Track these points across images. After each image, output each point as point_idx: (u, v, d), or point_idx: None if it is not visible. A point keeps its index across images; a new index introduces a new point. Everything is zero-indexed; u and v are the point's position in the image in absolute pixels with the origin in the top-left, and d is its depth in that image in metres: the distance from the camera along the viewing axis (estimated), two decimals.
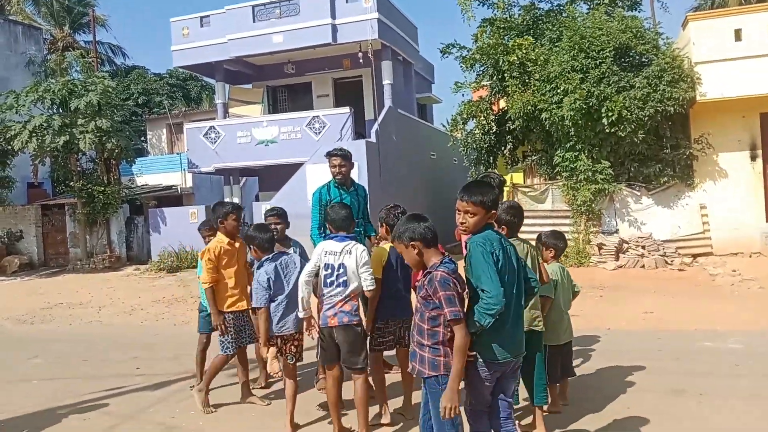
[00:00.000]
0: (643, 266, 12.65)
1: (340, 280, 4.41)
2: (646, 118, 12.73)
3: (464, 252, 3.98)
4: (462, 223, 3.23)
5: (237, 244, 5.46)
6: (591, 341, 7.04)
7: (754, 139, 13.49)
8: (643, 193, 13.74)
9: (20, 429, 5.18)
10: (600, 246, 13.35)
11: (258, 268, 4.82)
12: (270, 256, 4.83)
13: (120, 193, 18.89)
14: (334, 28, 17.27)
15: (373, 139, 16.52)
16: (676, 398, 5.00)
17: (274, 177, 17.82)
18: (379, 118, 17.28)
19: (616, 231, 13.76)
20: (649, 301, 9.43)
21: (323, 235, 5.67)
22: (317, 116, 17.36)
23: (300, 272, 4.66)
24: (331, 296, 4.42)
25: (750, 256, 13.00)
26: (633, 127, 12.79)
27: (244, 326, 5.44)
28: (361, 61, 17.42)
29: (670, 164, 13.57)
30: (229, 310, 5.34)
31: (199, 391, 5.35)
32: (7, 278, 17.78)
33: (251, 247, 4.96)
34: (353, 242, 4.53)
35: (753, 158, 13.49)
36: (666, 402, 4.92)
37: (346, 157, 6.02)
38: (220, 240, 5.42)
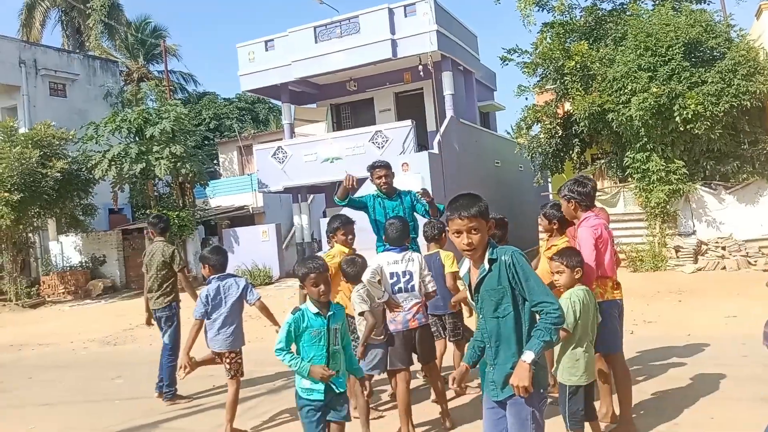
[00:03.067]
0: (724, 268, 12.07)
1: (408, 286, 4.82)
2: (721, 114, 12.19)
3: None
4: (469, 245, 2.87)
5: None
6: (670, 348, 6.76)
7: None
8: (722, 192, 13.13)
9: None
10: (677, 249, 12.83)
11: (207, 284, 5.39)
12: (218, 275, 5.39)
13: (194, 215, 19.59)
14: (394, 43, 17.44)
15: (435, 150, 16.52)
16: (765, 407, 4.73)
17: None
18: (441, 129, 17.27)
19: (694, 232, 13.19)
20: (732, 304, 8.98)
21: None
22: (380, 131, 17.52)
23: (238, 296, 5.40)
24: (405, 301, 4.80)
25: None
26: (708, 123, 12.27)
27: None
28: (421, 73, 17.49)
29: (749, 160, 12.92)
30: None
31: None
32: (92, 301, 18.73)
33: (205, 265, 5.47)
34: (411, 251, 4.97)
35: None
36: (753, 411, 4.65)
37: (388, 166, 6.39)
38: (336, 251, 5.48)
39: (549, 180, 18.20)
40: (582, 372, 3.95)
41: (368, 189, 15.64)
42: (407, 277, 4.82)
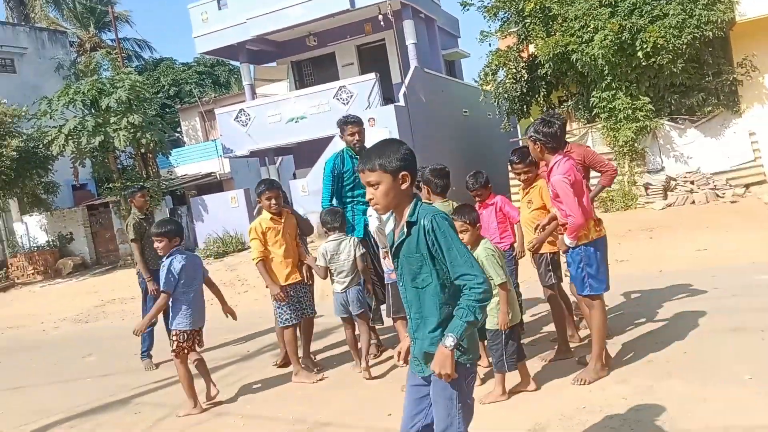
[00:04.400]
0: (693, 202, 12.14)
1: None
2: (683, 46, 12.05)
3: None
4: (370, 200, 2.61)
5: (283, 220, 5.50)
6: (643, 285, 6.76)
7: None
8: (688, 126, 13.12)
9: (74, 427, 5.29)
10: (647, 186, 12.87)
11: (168, 257, 5.01)
12: (180, 247, 5.09)
13: (160, 185, 19.14)
14: None
15: (402, 102, 16.23)
16: (737, 337, 4.73)
17: (309, 153, 17.76)
18: (406, 81, 16.94)
19: (662, 169, 13.21)
20: (703, 238, 9.03)
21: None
22: (343, 86, 17.13)
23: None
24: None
25: None
26: (671, 56, 12.14)
27: (302, 297, 5.58)
28: (382, 23, 17.04)
29: (714, 92, 12.88)
30: (286, 283, 5.42)
31: (295, 374, 5.45)
32: (63, 280, 18.37)
33: (163, 239, 5.06)
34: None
35: None
36: (725, 342, 4.66)
37: (360, 122, 6.04)
38: (263, 217, 5.51)
39: (517, 125, 18.07)
40: (513, 312, 4.24)
41: (334, 148, 15.44)
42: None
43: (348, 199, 5.97)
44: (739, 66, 12.78)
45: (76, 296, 14.55)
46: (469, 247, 4.18)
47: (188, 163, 24.23)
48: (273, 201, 5.38)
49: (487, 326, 4.25)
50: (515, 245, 5.31)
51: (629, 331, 5.29)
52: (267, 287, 5.45)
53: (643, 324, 5.44)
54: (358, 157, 5.87)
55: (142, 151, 18.68)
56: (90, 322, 11.03)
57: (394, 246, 2.63)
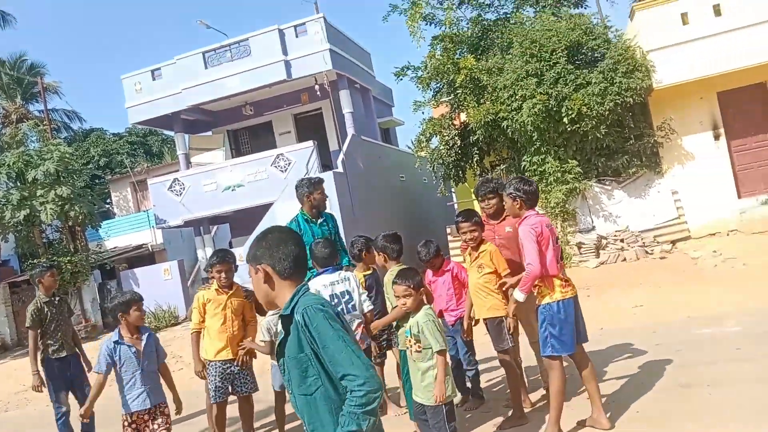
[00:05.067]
0: (624, 259, 12.56)
1: (350, 306, 4.76)
2: (606, 112, 12.73)
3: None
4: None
5: (229, 293, 5.34)
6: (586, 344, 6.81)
7: (715, 118, 13.59)
8: (614, 187, 13.71)
9: None
10: (579, 245, 13.25)
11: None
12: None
13: (88, 259, 18.36)
14: (288, 64, 17.17)
15: (340, 169, 16.35)
16: (685, 393, 4.80)
17: (245, 221, 17.50)
18: (344, 148, 17.14)
19: (593, 228, 13.67)
20: (637, 294, 9.30)
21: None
22: (281, 154, 17.14)
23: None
24: (350, 323, 4.64)
25: (727, 234, 12.99)
26: (594, 122, 12.78)
27: (237, 375, 5.38)
28: (318, 93, 17.33)
29: (637, 154, 13.57)
30: (215, 359, 5.28)
31: None
32: None
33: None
34: (343, 271, 4.95)
35: (716, 137, 13.57)
36: (675, 398, 4.72)
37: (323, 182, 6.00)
38: (208, 289, 5.45)
39: (453, 190, 18.44)
40: (451, 385, 4.07)
41: (272, 215, 15.31)
42: (347, 297, 4.76)
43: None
44: (659, 129, 13.57)
45: None
46: (412, 313, 4.13)
47: (119, 235, 23.40)
48: (223, 275, 5.29)
49: (425, 402, 4.06)
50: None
51: (579, 392, 5.28)
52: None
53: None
54: (314, 221, 5.80)
55: (70, 224, 17.97)
56: (10, 410, 10.20)
57: (277, 347, 2.32)
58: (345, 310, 4.69)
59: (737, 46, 12.42)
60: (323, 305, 2.20)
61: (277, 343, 2.34)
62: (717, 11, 12.63)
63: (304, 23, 17.17)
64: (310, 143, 17.08)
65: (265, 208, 15.89)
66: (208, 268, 5.40)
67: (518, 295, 4.38)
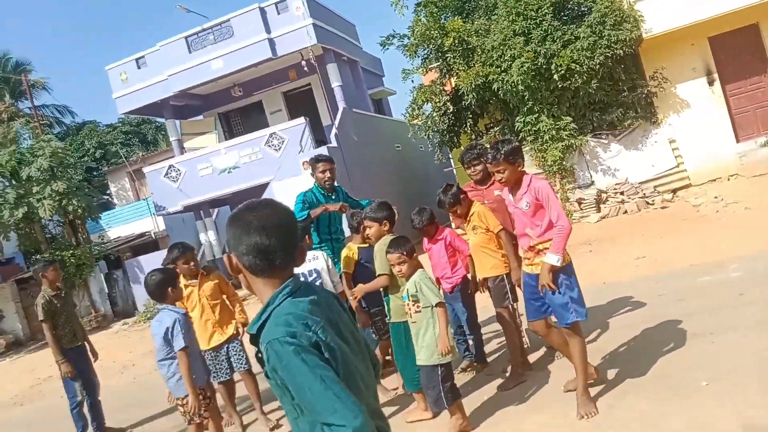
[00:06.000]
0: (625, 212, 12.54)
1: (317, 284, 4.52)
2: (597, 66, 12.59)
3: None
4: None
5: (197, 282, 5.35)
6: (588, 300, 6.81)
7: (708, 64, 13.43)
8: (611, 140, 13.62)
9: None
10: (579, 201, 13.22)
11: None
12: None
13: (92, 251, 18.42)
14: (272, 42, 16.97)
15: (334, 143, 16.25)
16: (689, 343, 4.77)
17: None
18: (336, 122, 17.02)
19: (592, 183, 13.63)
20: (640, 246, 9.28)
21: None
22: (274, 133, 17.02)
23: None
24: None
25: (728, 179, 12.96)
26: (585, 77, 12.65)
27: (231, 353, 5.43)
28: (305, 69, 17.18)
29: (631, 106, 13.46)
30: (209, 347, 5.32)
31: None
32: None
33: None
34: (315, 249, 5.00)
35: (710, 83, 13.44)
36: (678, 350, 4.69)
37: (331, 160, 6.07)
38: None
39: (450, 155, 18.35)
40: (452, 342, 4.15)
41: (270, 194, 15.28)
42: (314, 276, 4.76)
43: (326, 236, 5.91)
44: (652, 79, 13.43)
45: (10, 377, 13.66)
46: (406, 279, 4.15)
47: (120, 224, 23.45)
48: (192, 264, 5.28)
49: (421, 363, 4.14)
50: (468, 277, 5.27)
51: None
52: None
53: (594, 341, 5.46)
54: (329, 194, 5.96)
55: (70, 218, 17.98)
56: (25, 404, 10.32)
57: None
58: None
59: None
60: (294, 335, 1.66)
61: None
62: None
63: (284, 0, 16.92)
64: (302, 120, 16.95)
65: (263, 187, 15.86)
66: (170, 265, 5.20)
67: (552, 258, 3.95)
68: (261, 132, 17.43)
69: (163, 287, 4.35)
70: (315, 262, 4.86)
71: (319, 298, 1.82)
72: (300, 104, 19.65)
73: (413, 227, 5.25)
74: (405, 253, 4.11)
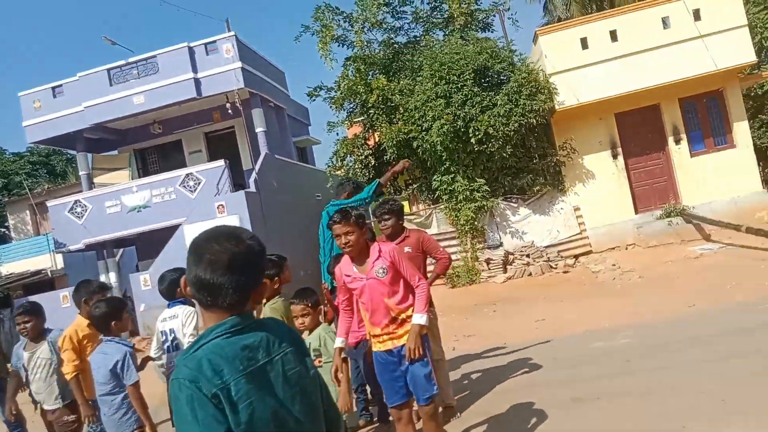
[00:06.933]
0: (530, 274, 12.95)
1: (173, 345, 4.46)
2: (511, 133, 13.16)
3: None
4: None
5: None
6: (487, 360, 6.94)
7: (613, 138, 14.31)
8: (520, 204, 14.16)
9: None
10: (488, 261, 13.56)
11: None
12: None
13: None
14: (198, 82, 16.77)
15: (252, 188, 16.06)
16: (577, 408, 4.91)
17: (152, 244, 16.83)
18: (257, 167, 16.85)
19: (501, 244, 14.04)
20: (540, 308, 9.56)
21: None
22: (190, 173, 16.64)
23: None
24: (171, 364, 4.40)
25: (626, 248, 13.65)
26: (500, 142, 13.19)
27: None
28: (230, 111, 17.02)
29: (541, 173, 14.09)
30: None
31: None
32: None
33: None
34: (180, 306, 4.52)
35: (614, 156, 14.28)
36: (567, 414, 4.82)
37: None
38: (79, 323, 4.88)
39: (370, 209, 18.46)
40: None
41: (180, 237, 14.74)
42: (172, 335, 4.48)
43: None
44: (561, 149, 14.15)
45: None
46: (307, 331, 4.09)
47: (16, 260, 22.02)
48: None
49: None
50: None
51: (474, 410, 5.32)
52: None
53: (489, 399, 5.50)
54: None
55: None
56: None
57: None
58: (171, 348, 4.47)
59: (632, 69, 13.19)
60: (196, 380, 1.62)
61: None
62: (613, 36, 13.36)
63: (215, 41, 16.87)
64: (221, 162, 16.69)
65: (173, 229, 15.36)
66: (83, 299, 4.92)
67: (421, 318, 3.77)
68: (177, 172, 16.99)
69: (107, 320, 4.14)
70: (173, 321, 4.48)
71: (259, 342, 1.74)
72: (221, 146, 19.37)
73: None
74: (310, 305, 4.03)
